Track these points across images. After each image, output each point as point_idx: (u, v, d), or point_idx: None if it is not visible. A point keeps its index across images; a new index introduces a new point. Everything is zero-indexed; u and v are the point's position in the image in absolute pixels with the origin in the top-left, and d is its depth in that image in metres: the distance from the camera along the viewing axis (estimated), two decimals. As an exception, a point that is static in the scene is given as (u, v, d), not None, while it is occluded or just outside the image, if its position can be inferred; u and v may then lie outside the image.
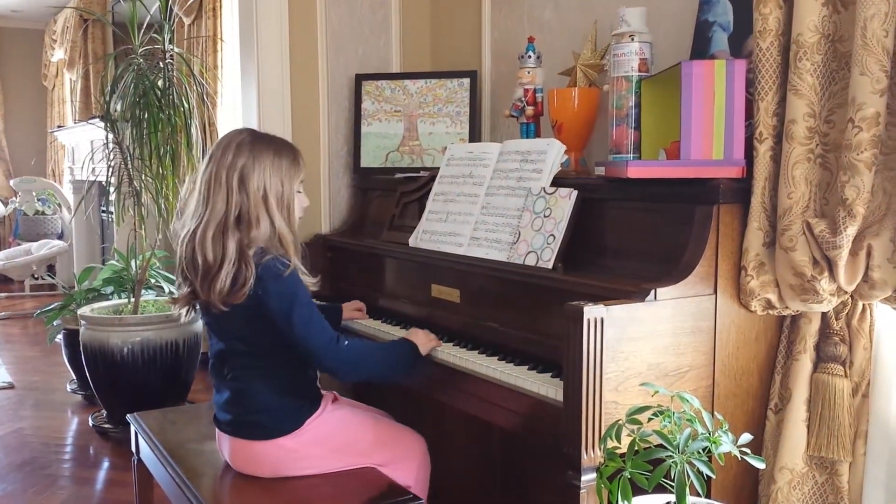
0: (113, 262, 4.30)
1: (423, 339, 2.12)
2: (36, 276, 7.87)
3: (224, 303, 1.93)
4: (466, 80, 3.01)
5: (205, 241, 1.93)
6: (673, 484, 1.41)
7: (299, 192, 2.07)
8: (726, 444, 1.45)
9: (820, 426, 1.80)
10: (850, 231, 1.63)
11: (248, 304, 1.93)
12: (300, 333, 1.93)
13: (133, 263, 3.99)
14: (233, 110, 4.50)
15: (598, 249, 2.04)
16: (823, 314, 1.81)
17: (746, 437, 1.50)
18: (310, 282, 2.03)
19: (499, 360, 1.99)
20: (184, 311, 2.07)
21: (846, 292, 1.73)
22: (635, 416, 1.49)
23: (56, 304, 4.25)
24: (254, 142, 2.00)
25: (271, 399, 2.02)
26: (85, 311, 3.75)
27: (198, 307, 2.06)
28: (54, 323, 4.19)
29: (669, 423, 1.48)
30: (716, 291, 1.79)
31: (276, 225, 1.97)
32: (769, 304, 1.81)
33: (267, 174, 1.97)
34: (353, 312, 2.55)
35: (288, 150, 2.04)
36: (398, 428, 2.21)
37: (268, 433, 2.00)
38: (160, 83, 3.71)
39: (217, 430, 2.11)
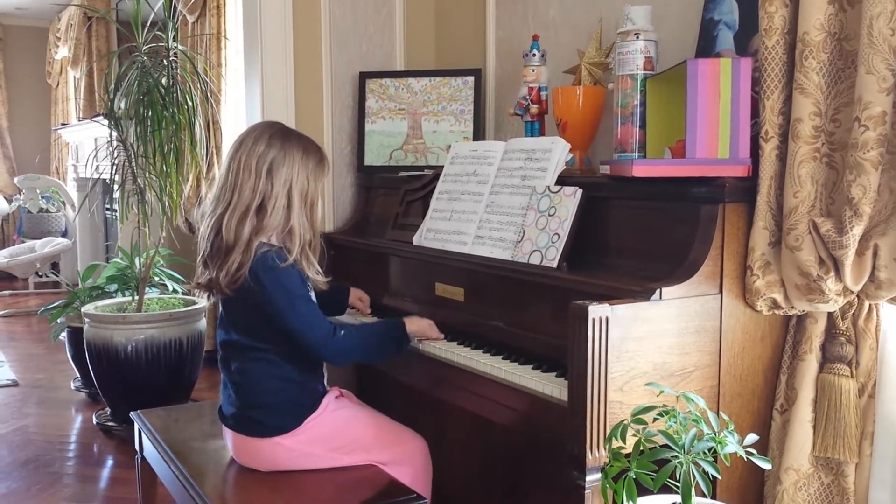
0: (117, 259, 4.30)
1: (416, 322, 2.15)
2: (40, 273, 7.88)
3: (228, 286, 1.96)
4: (471, 79, 3.00)
5: (230, 224, 1.97)
6: (678, 484, 1.40)
7: None
8: (732, 445, 1.45)
9: (826, 427, 1.79)
10: (857, 230, 1.62)
11: (246, 294, 1.97)
12: (297, 327, 1.96)
13: (137, 261, 3.99)
14: (237, 108, 4.49)
15: (603, 248, 2.04)
16: (829, 314, 1.80)
17: (752, 438, 1.50)
18: (321, 280, 2.05)
19: (503, 359, 1.98)
20: (205, 295, 2.09)
21: (852, 292, 1.72)
22: (640, 416, 1.49)
23: (60, 301, 4.25)
24: (285, 136, 2.05)
25: (273, 396, 2.03)
26: (89, 308, 3.75)
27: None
28: (58, 320, 4.19)
29: (675, 423, 1.47)
30: (721, 291, 1.78)
31: (292, 219, 2.01)
32: (775, 304, 1.80)
33: (295, 169, 2.01)
34: (357, 302, 2.56)
35: (316, 150, 2.09)
36: (400, 430, 2.21)
37: (268, 431, 2.02)
38: (164, 81, 3.71)
39: (222, 423, 2.12)
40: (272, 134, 2.03)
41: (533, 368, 1.89)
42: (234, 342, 2.06)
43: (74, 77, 7.90)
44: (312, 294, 2.05)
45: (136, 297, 3.80)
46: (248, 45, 3.24)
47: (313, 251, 2.05)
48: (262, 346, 2.03)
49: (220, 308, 2.12)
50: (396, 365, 2.30)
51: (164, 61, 3.76)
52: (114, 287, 4.12)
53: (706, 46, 2.15)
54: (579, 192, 2.01)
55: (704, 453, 1.42)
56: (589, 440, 1.60)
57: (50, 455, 3.57)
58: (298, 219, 2.01)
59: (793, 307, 1.80)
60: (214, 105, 4.36)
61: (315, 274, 2.04)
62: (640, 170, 1.80)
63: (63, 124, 7.82)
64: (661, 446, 1.44)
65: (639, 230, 1.96)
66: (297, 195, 2.01)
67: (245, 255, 1.95)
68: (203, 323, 3.84)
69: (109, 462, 3.52)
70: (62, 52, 8.14)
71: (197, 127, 3.76)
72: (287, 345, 2.00)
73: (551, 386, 1.76)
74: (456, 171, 2.46)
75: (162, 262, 4.14)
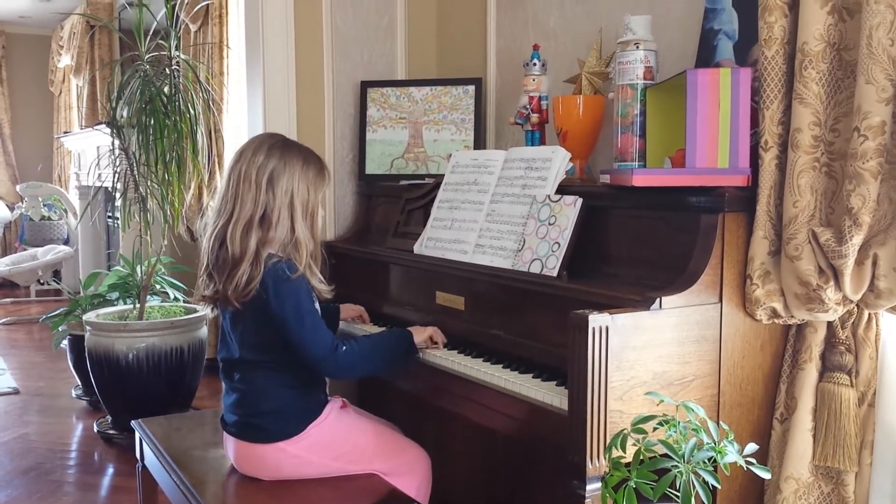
0: (118, 267, 4.31)
1: (420, 331, 2.15)
2: (42, 281, 7.88)
3: (237, 299, 1.96)
4: (471, 88, 3.01)
5: (234, 236, 1.97)
6: (678, 494, 1.40)
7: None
8: (732, 454, 1.45)
9: (826, 436, 1.79)
10: (856, 240, 1.63)
11: (255, 305, 1.97)
12: (301, 340, 1.96)
13: (138, 269, 3.99)
14: (239, 117, 4.50)
15: (603, 257, 2.04)
16: (829, 323, 1.80)
17: (752, 447, 1.50)
18: (325, 289, 2.06)
19: (503, 367, 1.98)
20: (209, 308, 2.09)
21: (852, 301, 1.72)
22: (640, 426, 1.49)
23: (61, 309, 4.26)
24: (285, 147, 2.06)
25: (276, 403, 2.04)
26: (90, 316, 3.76)
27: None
28: (59, 328, 4.19)
29: (675, 432, 1.48)
30: (721, 300, 1.78)
31: (297, 230, 2.01)
32: (775, 313, 1.80)
33: (296, 179, 2.02)
34: (350, 312, 2.56)
35: (316, 160, 2.10)
36: (403, 441, 2.21)
37: (271, 437, 2.02)
38: (166, 89, 3.72)
39: (223, 431, 2.12)
40: (271, 145, 2.04)
41: (533, 377, 1.89)
42: (238, 353, 2.06)
43: (77, 85, 7.92)
44: (317, 305, 2.06)
45: (138, 305, 3.80)
46: (250, 54, 3.26)
47: (315, 261, 2.06)
48: (266, 358, 2.03)
49: (223, 323, 2.11)
50: (397, 373, 2.30)
51: (167, 70, 3.77)
52: (115, 295, 4.12)
53: (706, 56, 2.16)
54: (579, 201, 2.02)
55: (704, 463, 1.42)
56: (589, 449, 1.60)
57: (51, 463, 3.57)
58: (302, 229, 2.02)
59: (792, 316, 1.80)
60: (216, 113, 4.37)
61: (318, 283, 2.05)
62: (640, 179, 1.81)
63: (65, 132, 7.84)
64: (661, 456, 1.44)
65: (639, 239, 1.96)
66: (298, 205, 2.02)
67: (255, 267, 1.95)
68: (204, 331, 3.84)
69: (110, 470, 3.52)
70: (65, 60, 8.17)
71: (199, 135, 3.77)
72: (291, 354, 2.00)
73: (551, 395, 1.76)
74: (456, 180, 2.47)
75: (163, 270, 4.14)
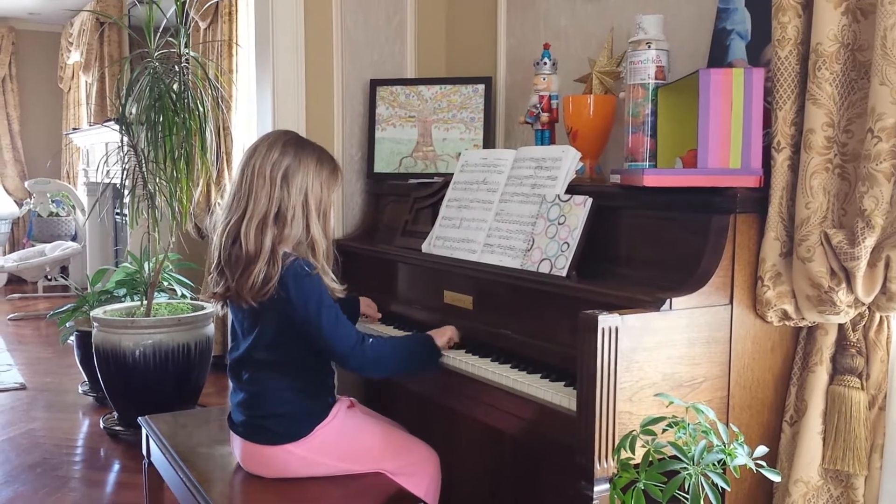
0: (126, 264, 4.32)
1: (440, 334, 2.13)
2: (49, 277, 7.90)
3: (254, 298, 1.94)
4: (481, 87, 3.00)
5: (248, 232, 1.95)
6: (687, 496, 1.39)
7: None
8: (741, 457, 1.44)
9: (836, 439, 1.78)
10: (869, 242, 1.62)
11: (273, 305, 1.95)
12: (327, 335, 1.95)
13: (146, 266, 4.00)
14: (247, 114, 4.51)
15: (613, 258, 2.03)
16: (840, 326, 1.79)
17: (762, 450, 1.49)
18: (337, 289, 2.05)
19: (511, 367, 1.97)
20: (219, 305, 2.09)
21: (864, 304, 1.71)
22: (650, 427, 1.48)
23: (69, 305, 4.26)
24: (299, 144, 2.05)
25: (284, 405, 2.03)
26: (97, 313, 3.76)
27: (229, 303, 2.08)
28: (67, 324, 4.20)
29: (684, 434, 1.47)
30: (732, 302, 1.77)
31: (311, 229, 2.00)
32: (785, 315, 1.79)
33: (310, 177, 2.01)
34: (367, 308, 2.55)
35: (329, 159, 2.09)
36: (410, 440, 2.20)
37: (277, 438, 2.01)
38: (175, 87, 3.72)
39: (230, 430, 2.12)
40: (286, 142, 2.03)
41: (542, 378, 1.88)
42: (248, 353, 2.05)
43: (86, 82, 7.94)
44: None
45: (145, 302, 3.81)
46: (260, 52, 3.25)
47: (327, 260, 2.05)
48: (277, 358, 2.02)
49: (233, 321, 2.10)
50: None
51: (176, 67, 3.77)
52: (123, 291, 4.13)
53: (718, 56, 2.15)
54: (589, 201, 2.01)
55: (714, 465, 1.41)
56: (597, 450, 1.59)
57: (57, 459, 3.58)
58: (316, 228, 2.01)
59: (803, 318, 1.79)
60: (225, 111, 4.38)
61: (331, 282, 2.03)
62: (651, 179, 1.80)
63: (74, 129, 7.86)
64: (671, 457, 1.43)
65: (649, 240, 1.95)
66: (312, 204, 2.00)
67: (272, 265, 1.93)
68: (211, 328, 3.85)
69: (116, 467, 3.52)
70: (74, 57, 8.18)
71: (207, 133, 3.77)
72: (302, 355, 2.00)
73: (560, 396, 1.75)
74: (466, 179, 2.46)
75: (171, 266, 4.15)
